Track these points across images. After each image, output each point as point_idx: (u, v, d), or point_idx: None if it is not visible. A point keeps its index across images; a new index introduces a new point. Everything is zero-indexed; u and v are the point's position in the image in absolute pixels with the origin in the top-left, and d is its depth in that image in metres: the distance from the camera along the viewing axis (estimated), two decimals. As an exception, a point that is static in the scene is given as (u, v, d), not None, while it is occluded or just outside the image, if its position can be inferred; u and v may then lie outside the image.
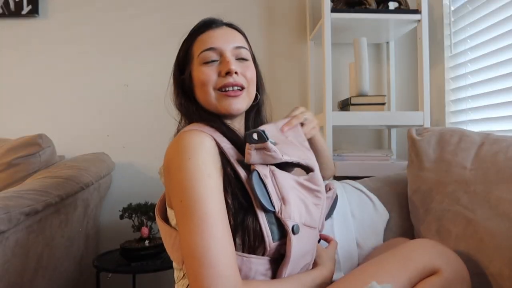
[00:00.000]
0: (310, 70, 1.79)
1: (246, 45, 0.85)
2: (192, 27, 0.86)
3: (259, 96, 0.89)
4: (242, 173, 0.72)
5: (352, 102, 1.52)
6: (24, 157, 1.40)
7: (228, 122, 0.83)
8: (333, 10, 1.50)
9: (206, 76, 0.79)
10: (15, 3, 1.78)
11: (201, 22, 0.85)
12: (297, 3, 1.84)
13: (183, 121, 0.86)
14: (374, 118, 1.49)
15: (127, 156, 1.82)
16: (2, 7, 1.78)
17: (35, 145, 1.42)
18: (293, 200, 0.72)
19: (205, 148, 0.71)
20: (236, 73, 0.79)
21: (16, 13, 1.78)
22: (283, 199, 0.71)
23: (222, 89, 0.79)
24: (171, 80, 0.89)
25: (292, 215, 0.71)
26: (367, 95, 1.54)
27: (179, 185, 0.68)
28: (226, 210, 0.69)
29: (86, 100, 1.82)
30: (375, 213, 1.11)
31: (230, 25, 0.86)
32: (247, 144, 0.71)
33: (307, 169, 0.80)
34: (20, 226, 1.04)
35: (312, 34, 1.72)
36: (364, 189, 1.17)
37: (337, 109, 1.71)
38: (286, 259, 0.71)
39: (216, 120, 0.81)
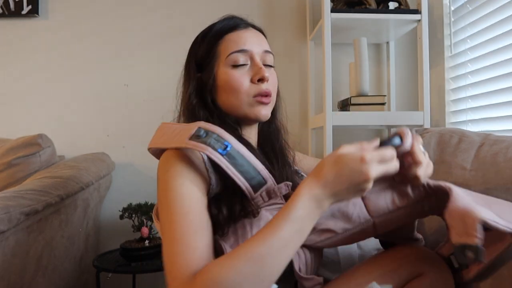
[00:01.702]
0: (310, 70, 1.79)
1: (271, 50, 0.84)
2: (211, 23, 0.83)
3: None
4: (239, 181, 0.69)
5: (352, 102, 1.52)
6: (24, 157, 1.40)
7: (246, 130, 0.82)
8: (333, 10, 1.50)
9: (238, 81, 0.77)
10: (15, 3, 1.78)
11: (227, 20, 0.82)
12: (297, 3, 1.84)
13: (181, 120, 0.83)
14: (374, 118, 1.49)
15: (127, 156, 1.82)
16: (2, 7, 1.78)
17: (35, 145, 1.42)
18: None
19: (189, 161, 0.69)
20: (268, 80, 0.78)
21: (16, 13, 1.78)
22: None
23: (255, 96, 0.78)
24: (181, 79, 0.86)
25: None
26: (367, 95, 1.54)
27: (161, 188, 0.69)
28: (202, 209, 0.66)
29: (86, 100, 1.82)
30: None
31: (255, 27, 0.84)
32: None
33: None
34: (20, 226, 1.04)
35: (312, 34, 1.72)
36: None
37: (337, 109, 1.71)
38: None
39: (228, 129, 0.76)
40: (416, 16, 1.51)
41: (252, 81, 0.78)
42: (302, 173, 0.93)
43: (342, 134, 1.83)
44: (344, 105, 1.59)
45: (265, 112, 0.79)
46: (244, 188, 0.68)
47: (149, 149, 0.77)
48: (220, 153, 0.66)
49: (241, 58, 0.78)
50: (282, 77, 1.82)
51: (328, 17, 1.49)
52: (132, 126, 1.81)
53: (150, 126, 1.95)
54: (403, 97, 1.84)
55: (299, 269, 0.70)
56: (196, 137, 0.67)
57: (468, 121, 1.46)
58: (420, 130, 1.16)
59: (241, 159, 0.68)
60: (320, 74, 1.71)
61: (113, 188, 1.79)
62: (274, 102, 0.84)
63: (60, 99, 1.82)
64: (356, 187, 0.60)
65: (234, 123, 0.80)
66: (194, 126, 0.69)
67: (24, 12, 1.78)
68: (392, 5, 1.61)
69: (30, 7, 1.78)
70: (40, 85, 1.81)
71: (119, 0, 1.83)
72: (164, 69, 1.77)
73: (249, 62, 0.79)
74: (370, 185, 0.60)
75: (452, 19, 1.57)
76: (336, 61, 1.79)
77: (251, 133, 0.84)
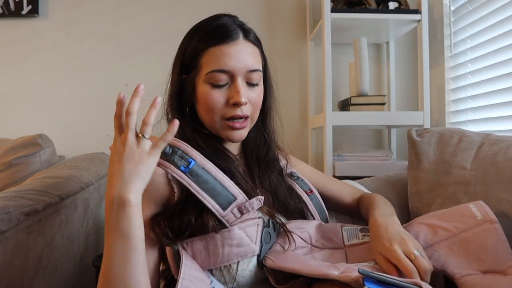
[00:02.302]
0: (310, 70, 1.79)
1: (260, 65, 0.79)
2: (202, 22, 0.79)
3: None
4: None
5: (352, 102, 1.52)
6: (24, 157, 1.40)
7: (226, 144, 0.82)
8: (333, 10, 1.50)
9: (213, 101, 0.74)
10: (15, 3, 1.78)
11: (216, 24, 0.77)
12: (297, 3, 1.84)
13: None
14: (374, 118, 1.49)
15: (127, 156, 1.81)
16: (2, 7, 1.78)
17: (35, 145, 1.42)
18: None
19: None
20: (245, 103, 0.75)
21: (16, 13, 1.78)
22: None
23: (228, 119, 0.75)
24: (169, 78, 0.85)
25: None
26: (367, 95, 1.54)
27: None
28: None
29: (86, 100, 1.82)
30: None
31: (247, 37, 0.77)
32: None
33: None
34: (20, 226, 1.04)
35: (312, 34, 1.72)
36: (364, 189, 1.16)
37: (337, 109, 1.71)
38: None
39: (200, 142, 0.77)
40: (416, 16, 1.51)
41: (227, 103, 0.75)
42: (299, 175, 0.92)
43: (342, 134, 1.83)
44: (344, 105, 1.59)
45: (238, 136, 0.78)
46: (208, 204, 0.67)
47: None
48: (182, 171, 0.67)
49: (221, 78, 0.74)
50: (282, 77, 1.84)
51: (328, 17, 1.49)
52: (132, 126, 1.81)
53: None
54: (403, 97, 1.84)
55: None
56: (162, 154, 0.66)
57: (468, 121, 1.46)
58: (420, 130, 1.16)
59: (206, 175, 0.68)
60: (320, 74, 1.71)
61: (113, 188, 1.79)
62: (254, 120, 0.81)
63: (60, 99, 1.82)
64: None
65: (209, 133, 0.79)
66: None
67: (24, 12, 1.78)
68: (392, 5, 1.61)
69: (30, 7, 1.78)
70: (40, 85, 1.81)
71: (119, 0, 1.83)
72: (164, 69, 1.76)
73: (229, 81, 0.75)
74: None
75: (452, 19, 1.57)
76: (336, 61, 1.79)
77: (232, 145, 0.83)
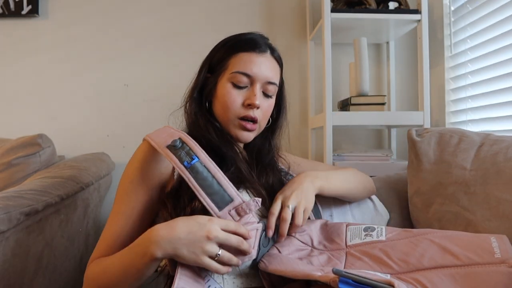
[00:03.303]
0: (310, 70, 1.79)
1: (277, 81, 0.88)
2: (235, 34, 0.88)
3: (270, 121, 0.92)
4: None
5: (352, 102, 1.52)
6: (24, 157, 1.40)
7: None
8: (333, 10, 1.50)
9: (231, 100, 0.83)
10: (15, 3, 1.78)
11: (249, 36, 0.87)
12: (297, 3, 1.84)
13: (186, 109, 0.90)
14: (374, 118, 1.49)
15: (127, 156, 1.78)
16: (2, 7, 1.78)
17: (35, 145, 1.42)
18: None
19: (145, 160, 0.79)
20: (258, 107, 0.83)
21: (16, 13, 1.78)
22: None
23: (241, 119, 0.84)
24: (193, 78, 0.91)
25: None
26: (367, 95, 1.54)
27: (123, 173, 0.84)
28: (138, 214, 0.78)
29: (86, 100, 1.82)
30: (376, 213, 1.11)
31: (273, 53, 0.88)
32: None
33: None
34: (20, 226, 1.04)
35: (312, 34, 1.72)
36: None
37: (337, 109, 1.71)
38: None
39: (211, 130, 0.84)
40: (416, 16, 1.51)
41: (243, 104, 0.83)
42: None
43: (342, 134, 1.83)
44: (344, 105, 1.59)
45: (246, 137, 0.86)
46: (203, 201, 0.70)
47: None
48: (185, 166, 0.71)
49: (243, 80, 0.83)
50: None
51: (328, 17, 1.49)
52: (132, 126, 1.81)
53: (150, 126, 1.95)
54: (403, 97, 1.84)
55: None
56: (172, 147, 0.73)
57: (468, 121, 1.46)
58: (420, 130, 1.16)
59: (206, 173, 0.72)
60: (320, 74, 1.71)
61: (113, 188, 1.79)
62: (262, 127, 0.89)
63: (60, 99, 1.82)
64: (194, 241, 0.63)
65: (220, 127, 0.86)
66: (176, 135, 0.76)
67: (24, 12, 1.78)
68: (392, 5, 1.61)
69: (30, 7, 1.78)
70: (40, 85, 1.81)
71: (119, 1, 1.83)
72: (164, 69, 1.77)
73: (249, 86, 0.84)
74: (210, 246, 0.63)
75: (452, 19, 1.57)
76: (336, 61, 1.79)
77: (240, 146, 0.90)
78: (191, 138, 0.76)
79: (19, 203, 1.04)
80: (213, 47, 0.91)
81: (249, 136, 0.86)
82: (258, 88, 0.83)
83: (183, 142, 0.75)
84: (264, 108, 0.85)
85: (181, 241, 0.63)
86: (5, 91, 1.81)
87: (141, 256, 0.65)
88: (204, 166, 0.72)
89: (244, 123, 0.84)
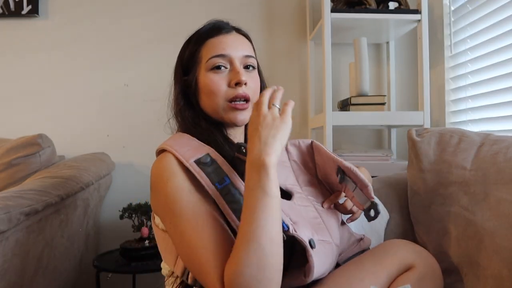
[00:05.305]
0: (310, 70, 1.79)
1: (253, 54, 0.85)
2: (198, 27, 0.85)
3: None
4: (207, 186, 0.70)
5: (352, 102, 1.52)
6: (24, 157, 1.40)
7: (230, 130, 0.84)
8: (333, 10, 1.50)
9: (215, 85, 0.79)
10: (15, 3, 1.78)
11: (210, 25, 0.84)
12: (297, 3, 1.84)
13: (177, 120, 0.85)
14: (374, 118, 1.49)
15: (127, 156, 1.82)
16: (2, 7, 1.78)
17: (35, 145, 1.42)
18: (299, 218, 0.73)
19: (174, 174, 0.71)
20: (245, 84, 0.79)
21: (16, 13, 1.78)
22: (290, 218, 0.71)
23: (231, 101, 0.79)
24: (172, 82, 0.88)
25: (304, 231, 0.70)
26: (367, 95, 1.54)
27: (165, 207, 0.71)
28: (211, 216, 0.68)
29: (86, 100, 1.82)
30: (375, 213, 1.11)
31: (239, 31, 0.86)
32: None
33: (287, 195, 0.80)
34: (20, 226, 1.04)
35: (312, 34, 1.72)
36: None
37: (337, 109, 1.71)
38: (308, 273, 0.68)
39: (214, 131, 0.80)
40: (416, 16, 1.51)
41: (229, 85, 0.79)
42: None
43: (342, 134, 1.83)
44: (344, 105, 1.59)
45: (241, 118, 0.80)
46: (234, 226, 0.67)
47: (158, 150, 0.78)
48: (216, 186, 0.70)
49: (220, 62, 0.80)
50: (282, 77, 1.84)
51: (328, 17, 1.49)
52: (132, 126, 1.81)
53: (150, 126, 1.96)
54: (403, 97, 1.84)
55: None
56: (202, 163, 0.71)
57: (468, 121, 1.46)
58: (420, 130, 1.16)
59: (237, 195, 0.69)
60: (320, 74, 1.71)
61: (113, 188, 1.79)
62: None
63: (60, 99, 1.82)
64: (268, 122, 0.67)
65: (218, 124, 0.83)
66: (202, 149, 0.74)
67: (24, 12, 1.78)
68: (392, 5, 1.61)
69: (30, 7, 1.78)
70: (40, 85, 1.81)
71: (119, 1, 1.83)
72: (164, 69, 1.75)
73: (228, 67, 0.80)
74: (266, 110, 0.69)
75: (452, 19, 1.57)
76: (336, 61, 1.79)
77: (237, 133, 0.85)
78: (218, 155, 0.74)
79: (19, 203, 1.04)
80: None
81: (244, 116, 0.80)
82: (238, 65, 0.80)
83: (212, 159, 0.72)
84: (251, 83, 0.81)
85: (265, 132, 0.66)
86: (5, 91, 1.81)
87: (257, 177, 0.63)
88: (235, 186, 0.70)
89: (234, 104, 0.79)
